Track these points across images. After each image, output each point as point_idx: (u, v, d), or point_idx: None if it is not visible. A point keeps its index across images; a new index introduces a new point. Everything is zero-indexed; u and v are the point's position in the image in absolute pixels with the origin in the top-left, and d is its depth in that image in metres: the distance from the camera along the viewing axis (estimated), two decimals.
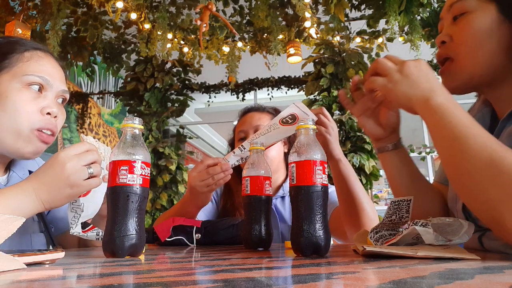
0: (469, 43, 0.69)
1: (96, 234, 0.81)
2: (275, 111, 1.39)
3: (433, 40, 3.12)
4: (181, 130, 4.25)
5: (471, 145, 0.56)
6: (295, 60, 3.45)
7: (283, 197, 1.33)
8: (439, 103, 0.62)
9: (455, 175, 0.60)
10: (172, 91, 4.22)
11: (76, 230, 0.79)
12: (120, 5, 2.97)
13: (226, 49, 3.77)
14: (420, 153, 4.11)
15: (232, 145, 1.44)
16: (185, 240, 0.99)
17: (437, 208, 0.82)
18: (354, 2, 3.15)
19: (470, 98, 0.84)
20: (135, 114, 4.09)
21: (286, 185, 1.34)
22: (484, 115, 0.76)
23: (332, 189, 1.18)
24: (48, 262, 0.49)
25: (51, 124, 0.84)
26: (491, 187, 0.54)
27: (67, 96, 0.91)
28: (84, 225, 0.80)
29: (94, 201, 0.81)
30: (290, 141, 1.37)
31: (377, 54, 3.57)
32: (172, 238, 0.99)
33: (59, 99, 0.89)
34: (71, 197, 0.74)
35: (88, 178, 0.75)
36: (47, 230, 0.91)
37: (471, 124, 0.59)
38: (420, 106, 0.65)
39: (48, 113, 0.83)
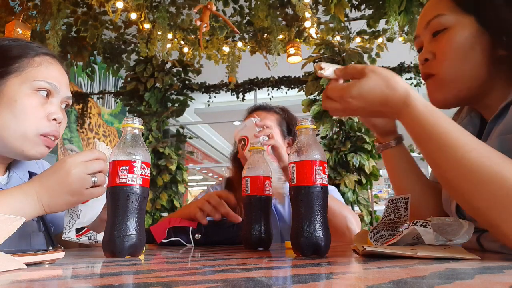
0: (453, 58, 0.69)
1: (89, 238, 0.81)
2: (282, 111, 1.38)
3: None
4: (181, 130, 4.25)
5: (452, 153, 0.56)
6: (295, 60, 3.45)
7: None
8: (413, 110, 0.61)
9: (442, 182, 0.61)
10: (172, 91, 4.23)
11: (69, 235, 0.79)
12: (120, 5, 2.97)
13: (226, 49, 3.77)
14: (420, 153, 4.11)
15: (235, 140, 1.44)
16: (181, 241, 0.99)
17: (440, 207, 0.82)
18: (354, 2, 3.15)
19: None
20: (135, 114, 4.09)
21: (286, 186, 1.34)
22: (473, 118, 0.76)
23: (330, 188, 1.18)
24: (48, 262, 0.49)
25: (55, 130, 0.85)
26: (481, 195, 0.53)
27: (71, 101, 0.92)
28: (78, 229, 0.80)
29: (93, 209, 0.81)
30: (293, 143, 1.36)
31: (377, 54, 3.57)
32: (167, 240, 0.99)
33: (63, 105, 0.90)
34: (71, 204, 0.75)
35: (92, 187, 0.75)
36: (47, 230, 0.91)
37: (446, 129, 0.58)
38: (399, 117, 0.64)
39: (54, 119, 0.85)
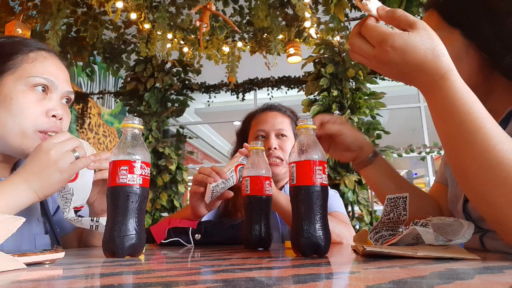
0: None
1: (91, 220, 0.81)
2: (292, 114, 1.38)
3: None
4: (181, 130, 4.25)
5: (485, 141, 0.53)
6: (295, 60, 3.45)
7: None
8: (450, 86, 0.56)
9: (459, 171, 0.58)
10: (172, 91, 4.23)
11: (69, 215, 0.80)
12: (120, 5, 2.97)
13: (226, 49, 3.77)
14: (420, 153, 4.10)
15: (241, 135, 1.42)
16: (181, 241, 0.99)
17: (430, 213, 0.83)
18: (354, 2, 3.14)
19: None
20: (135, 114, 4.09)
21: (288, 186, 1.34)
22: None
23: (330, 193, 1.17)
24: (48, 262, 0.49)
25: (56, 126, 0.84)
26: (498, 190, 0.52)
27: (72, 96, 0.91)
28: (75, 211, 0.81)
29: (84, 185, 0.81)
30: None
31: None
32: (167, 240, 0.99)
33: (64, 100, 0.89)
34: (62, 182, 0.74)
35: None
36: (53, 231, 0.91)
37: (482, 114, 0.54)
38: (425, 89, 0.59)
39: (53, 116, 0.83)
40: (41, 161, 0.72)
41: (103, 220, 0.80)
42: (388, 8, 0.59)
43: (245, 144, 1.06)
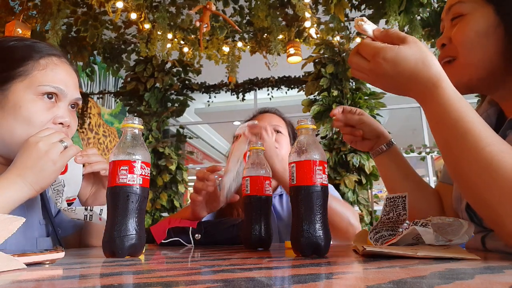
0: (466, 44, 0.68)
1: (85, 210, 0.81)
2: (290, 122, 1.43)
3: (433, 40, 3.12)
4: (181, 130, 4.25)
5: (474, 143, 0.55)
6: (295, 60, 3.45)
7: (281, 195, 1.35)
8: (442, 93, 0.59)
9: (454, 173, 0.60)
10: (172, 91, 4.23)
11: (62, 205, 0.81)
12: (120, 5, 2.97)
13: (226, 49, 3.77)
14: (420, 153, 4.10)
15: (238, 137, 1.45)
16: (181, 241, 0.99)
17: (433, 208, 0.83)
18: (354, 2, 3.14)
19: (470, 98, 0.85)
20: (135, 114, 4.09)
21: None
22: (490, 115, 0.75)
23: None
24: (48, 262, 0.49)
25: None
26: (490, 190, 0.53)
27: (80, 102, 0.90)
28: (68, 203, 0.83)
29: (74, 177, 0.83)
30: None
31: None
32: (168, 240, 0.99)
33: (72, 106, 0.88)
34: (55, 172, 0.75)
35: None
36: (55, 233, 0.91)
37: (472, 119, 0.56)
38: (421, 97, 0.62)
39: (61, 123, 0.83)
40: (32, 155, 0.72)
41: (96, 209, 0.81)
42: (383, 29, 0.64)
43: (249, 123, 1.06)
